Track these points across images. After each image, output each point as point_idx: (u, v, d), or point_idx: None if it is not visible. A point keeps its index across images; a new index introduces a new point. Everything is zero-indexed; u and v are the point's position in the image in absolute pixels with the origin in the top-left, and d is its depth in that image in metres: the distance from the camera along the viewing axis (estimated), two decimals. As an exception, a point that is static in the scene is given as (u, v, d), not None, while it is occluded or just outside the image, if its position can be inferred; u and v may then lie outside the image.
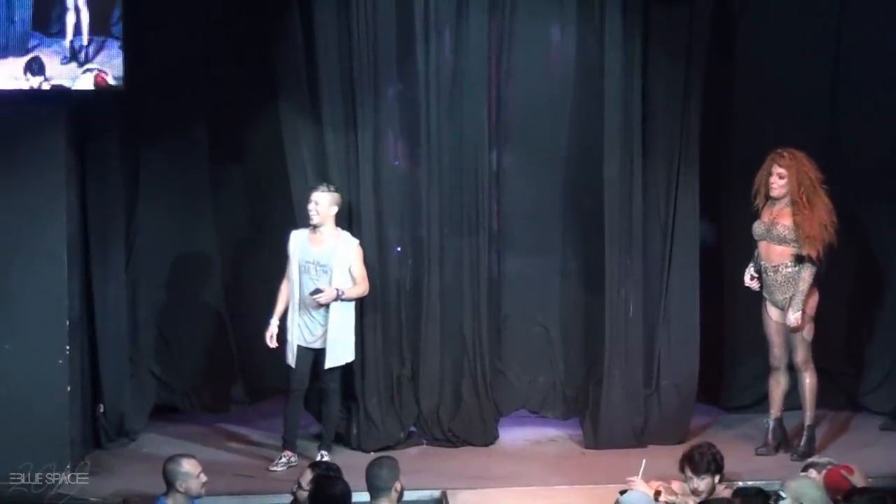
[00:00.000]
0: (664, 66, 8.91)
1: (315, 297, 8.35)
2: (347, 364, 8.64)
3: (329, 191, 8.45)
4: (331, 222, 8.47)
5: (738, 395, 9.59)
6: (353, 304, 8.54)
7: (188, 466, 6.67)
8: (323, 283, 8.39)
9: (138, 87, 8.50)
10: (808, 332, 8.50)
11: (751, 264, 8.63)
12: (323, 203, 8.41)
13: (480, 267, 9.05)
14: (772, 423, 8.70)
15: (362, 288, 8.52)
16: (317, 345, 8.47)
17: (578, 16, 9.02)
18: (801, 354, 8.53)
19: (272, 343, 8.51)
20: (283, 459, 8.47)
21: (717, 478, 6.88)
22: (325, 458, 8.20)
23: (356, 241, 8.55)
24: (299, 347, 8.48)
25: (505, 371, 9.31)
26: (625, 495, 6.71)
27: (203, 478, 6.66)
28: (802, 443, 8.62)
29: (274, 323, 8.51)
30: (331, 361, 8.45)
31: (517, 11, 9.00)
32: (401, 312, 9.09)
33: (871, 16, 9.28)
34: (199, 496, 6.69)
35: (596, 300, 9.04)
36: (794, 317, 8.40)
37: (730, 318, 9.49)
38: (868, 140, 9.39)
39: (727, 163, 9.38)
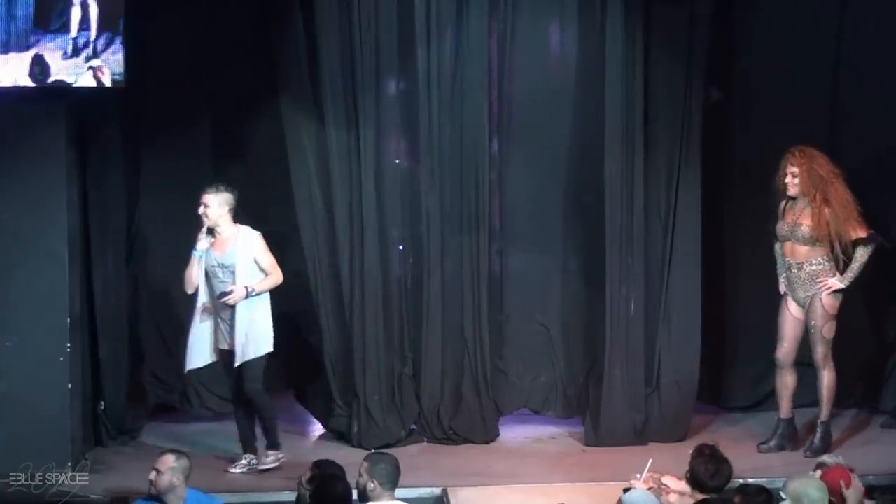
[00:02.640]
0: (665, 65, 8.92)
1: (224, 300, 8.15)
2: (255, 361, 8.32)
3: (219, 191, 8.20)
4: (226, 221, 8.23)
5: (740, 397, 9.55)
6: (266, 296, 8.32)
7: (158, 462, 6.68)
8: (230, 284, 8.18)
9: (140, 83, 8.50)
10: (828, 330, 8.48)
11: (780, 271, 8.60)
12: (213, 205, 8.17)
13: (481, 265, 9.05)
14: (782, 425, 8.64)
15: (274, 278, 8.30)
16: (230, 347, 8.28)
17: (579, 14, 9.03)
18: (821, 352, 8.51)
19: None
20: (244, 461, 8.39)
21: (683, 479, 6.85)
22: (269, 461, 8.28)
23: (257, 233, 8.30)
24: (222, 352, 8.32)
25: (506, 370, 9.31)
26: (627, 494, 6.70)
27: (173, 479, 6.61)
28: (817, 439, 8.57)
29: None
30: (239, 358, 8.21)
31: (518, 9, 9.01)
32: (402, 310, 9.10)
33: (871, 14, 9.28)
34: (158, 494, 6.65)
35: (597, 298, 9.03)
36: (832, 282, 8.37)
37: (731, 317, 9.46)
38: (869, 138, 9.36)
39: (729, 161, 9.37)
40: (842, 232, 8.35)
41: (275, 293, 9.32)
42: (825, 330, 8.49)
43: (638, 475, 6.86)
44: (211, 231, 8.25)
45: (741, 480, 7.20)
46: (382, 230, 8.97)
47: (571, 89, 9.17)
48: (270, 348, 8.36)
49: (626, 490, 6.73)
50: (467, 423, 9.04)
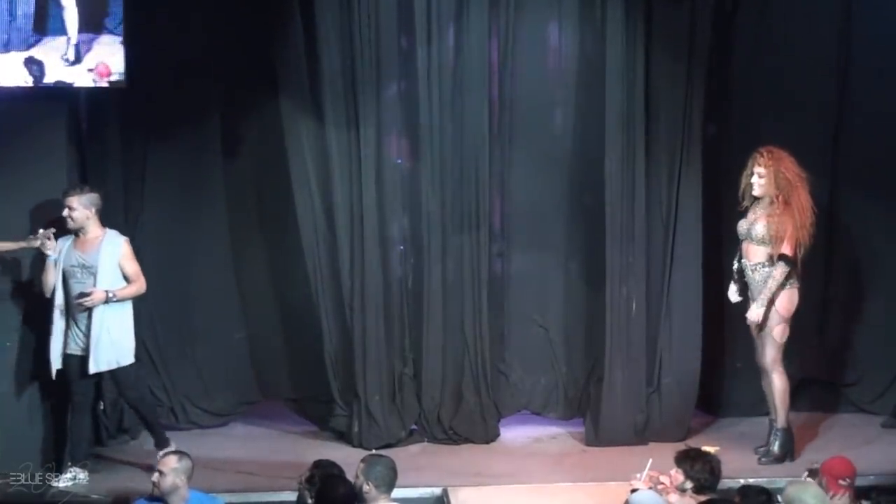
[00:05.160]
0: (666, 63, 8.91)
1: (81, 301, 7.93)
2: (123, 370, 8.19)
3: (80, 192, 8.02)
4: (92, 223, 8.05)
5: (738, 407, 9.48)
6: (128, 304, 8.14)
7: (161, 463, 6.70)
8: (90, 285, 7.99)
9: (140, 83, 8.49)
10: (778, 334, 8.36)
11: (732, 282, 8.56)
12: (77, 207, 7.99)
13: (482, 264, 9.05)
14: (780, 433, 8.48)
15: (137, 286, 8.12)
16: (80, 351, 8.05)
17: (580, 13, 9.03)
18: (770, 355, 8.40)
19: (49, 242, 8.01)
20: (69, 475, 8.07)
21: (689, 483, 6.83)
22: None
23: (123, 238, 8.16)
24: (70, 356, 8.08)
25: (508, 373, 9.30)
26: (634, 494, 6.70)
27: (176, 479, 6.62)
28: (776, 446, 8.45)
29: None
30: (94, 366, 7.99)
31: (519, 9, 9.00)
32: (403, 310, 9.09)
33: (874, 13, 9.26)
34: (161, 495, 6.66)
35: (598, 298, 9.03)
36: (754, 313, 8.30)
37: (730, 321, 9.37)
38: (871, 139, 9.35)
39: (729, 160, 9.33)
40: (783, 237, 8.22)
41: (275, 292, 9.38)
42: (776, 332, 8.35)
43: (638, 475, 6.86)
44: (75, 232, 8.08)
45: (742, 481, 7.22)
46: (383, 230, 8.97)
47: (572, 88, 9.17)
48: (132, 359, 8.20)
49: (633, 491, 6.73)
50: (468, 424, 9.03)
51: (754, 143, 8.76)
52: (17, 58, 8.08)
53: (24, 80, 8.10)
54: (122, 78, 8.21)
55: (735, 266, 8.54)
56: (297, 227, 9.01)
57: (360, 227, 8.84)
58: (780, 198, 8.25)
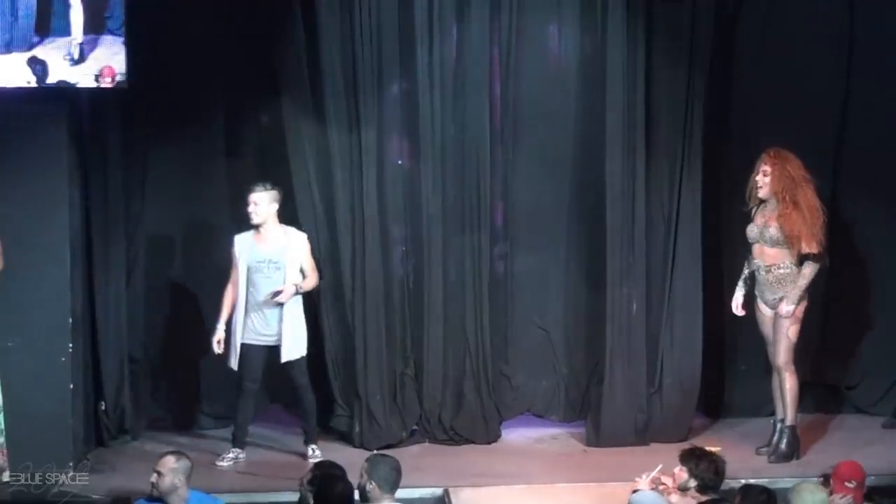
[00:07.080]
0: (667, 65, 8.93)
1: (277, 298, 8.38)
2: (302, 358, 8.57)
3: (266, 189, 8.43)
4: (273, 220, 8.48)
5: (739, 408, 9.50)
6: (301, 297, 8.55)
7: (159, 464, 6.69)
8: (277, 279, 8.42)
9: (141, 83, 8.49)
10: (793, 333, 8.41)
11: (738, 289, 8.61)
12: (262, 202, 8.41)
13: (482, 265, 9.05)
14: (788, 431, 8.50)
15: (314, 279, 8.59)
16: (271, 341, 8.49)
17: (581, 14, 9.04)
18: (784, 356, 8.43)
19: (219, 349, 8.48)
20: (231, 455, 8.51)
21: (693, 482, 6.84)
22: (317, 454, 8.38)
23: (304, 235, 8.63)
24: (250, 346, 8.46)
25: (510, 375, 9.30)
26: (635, 495, 6.70)
27: (174, 480, 6.63)
28: (784, 444, 8.49)
29: (220, 328, 8.48)
30: (287, 355, 8.45)
31: (520, 10, 9.01)
32: (404, 311, 9.10)
33: (876, 16, 9.26)
34: (161, 496, 6.67)
35: (599, 299, 9.03)
36: (786, 309, 8.33)
37: (731, 321, 9.38)
38: (873, 140, 9.36)
39: (730, 161, 9.35)
40: (801, 237, 8.27)
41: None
42: (791, 332, 8.40)
43: (643, 476, 6.86)
44: (257, 227, 8.44)
45: (743, 481, 7.22)
46: (384, 231, 8.98)
47: (573, 89, 9.18)
48: (305, 349, 8.62)
49: (634, 491, 6.73)
50: (469, 424, 9.03)
51: (756, 145, 8.79)
52: (19, 58, 8.07)
53: (27, 80, 8.08)
54: (123, 78, 8.21)
55: (745, 272, 8.55)
56: (298, 227, 9.01)
57: (362, 227, 8.85)
58: (787, 197, 8.31)
